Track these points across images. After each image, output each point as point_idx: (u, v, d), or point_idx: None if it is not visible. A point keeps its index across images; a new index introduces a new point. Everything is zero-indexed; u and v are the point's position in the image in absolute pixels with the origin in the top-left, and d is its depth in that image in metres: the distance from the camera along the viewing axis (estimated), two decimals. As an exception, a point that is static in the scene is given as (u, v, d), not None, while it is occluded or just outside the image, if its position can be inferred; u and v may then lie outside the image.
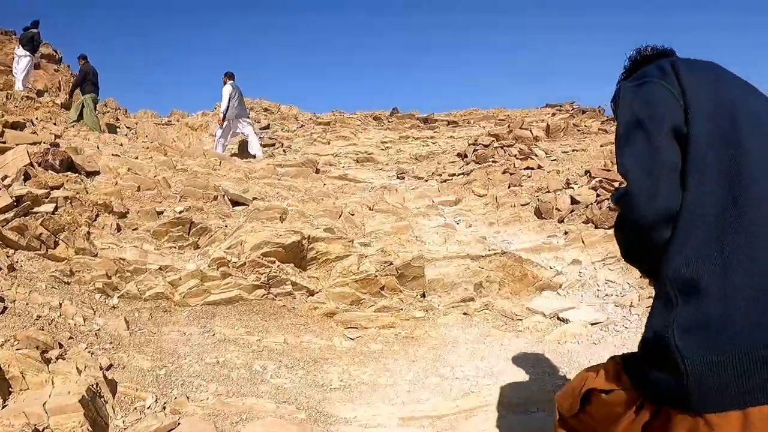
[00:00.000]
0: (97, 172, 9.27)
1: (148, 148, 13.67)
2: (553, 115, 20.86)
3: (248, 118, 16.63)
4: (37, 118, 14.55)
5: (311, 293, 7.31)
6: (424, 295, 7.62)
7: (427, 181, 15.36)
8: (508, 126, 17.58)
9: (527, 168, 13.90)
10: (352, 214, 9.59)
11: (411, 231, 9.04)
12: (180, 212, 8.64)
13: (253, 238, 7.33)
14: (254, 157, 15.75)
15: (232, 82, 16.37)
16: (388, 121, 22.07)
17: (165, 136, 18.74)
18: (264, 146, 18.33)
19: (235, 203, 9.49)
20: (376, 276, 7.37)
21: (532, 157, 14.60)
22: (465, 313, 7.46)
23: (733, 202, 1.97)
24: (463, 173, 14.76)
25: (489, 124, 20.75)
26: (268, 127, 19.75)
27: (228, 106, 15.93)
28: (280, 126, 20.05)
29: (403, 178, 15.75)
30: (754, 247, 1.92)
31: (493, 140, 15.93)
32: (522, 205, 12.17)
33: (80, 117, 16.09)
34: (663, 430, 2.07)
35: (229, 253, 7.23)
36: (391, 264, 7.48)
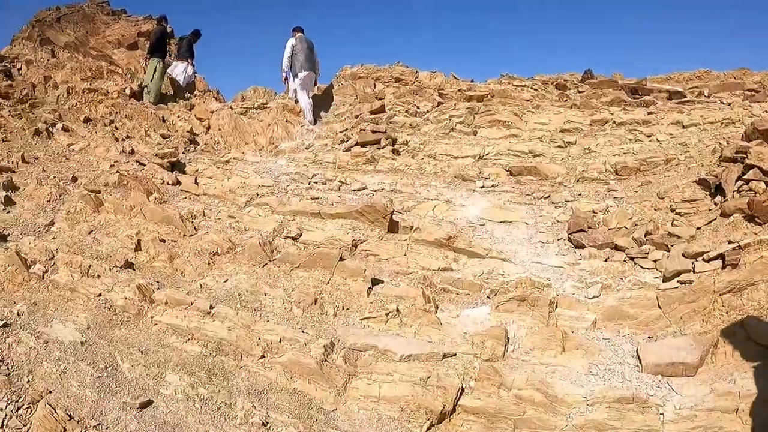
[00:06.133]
0: None
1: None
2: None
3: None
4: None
5: None
6: None
7: (633, 261, 6.26)
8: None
9: None
10: None
11: None
12: None
13: None
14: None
15: (300, 35, 12.20)
16: (578, 91, 12.43)
17: (245, 128, 11.15)
18: (363, 144, 10.10)
19: None
20: None
21: None
22: None
23: None
24: (719, 255, 5.42)
25: (735, 97, 10.43)
26: (381, 110, 11.33)
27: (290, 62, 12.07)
28: (403, 107, 11.52)
29: (582, 245, 6.71)
30: None
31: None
32: None
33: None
34: None
35: None
36: None
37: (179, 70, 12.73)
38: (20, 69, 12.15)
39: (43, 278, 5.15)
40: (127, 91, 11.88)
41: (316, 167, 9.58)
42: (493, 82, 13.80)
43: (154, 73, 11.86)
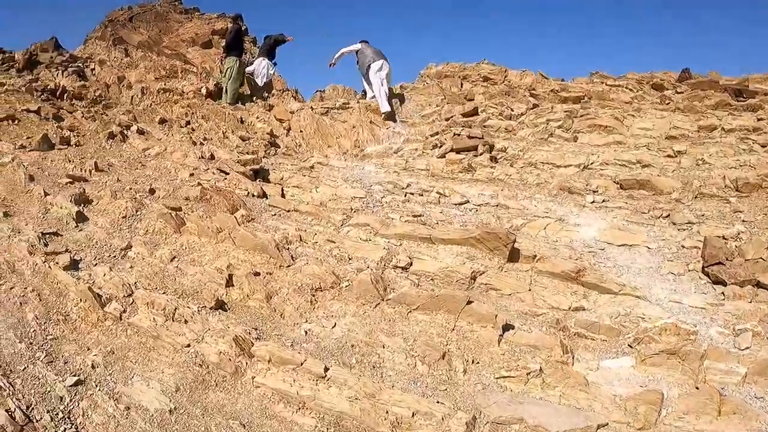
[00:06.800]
0: None
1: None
2: None
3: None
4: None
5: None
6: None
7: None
8: None
9: None
10: None
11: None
12: None
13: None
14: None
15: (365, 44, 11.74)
16: (677, 92, 11.00)
17: (327, 130, 10.19)
18: (459, 151, 9.00)
19: None
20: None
21: None
22: None
23: None
24: None
25: None
26: (474, 112, 10.16)
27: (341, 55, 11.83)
28: (496, 109, 10.33)
29: (722, 281, 5.40)
30: None
31: None
32: None
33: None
34: None
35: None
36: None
37: (260, 68, 11.84)
38: (93, 69, 11.50)
39: (120, 319, 4.23)
40: (203, 91, 11.08)
41: (408, 175, 8.51)
42: (584, 81, 12.48)
43: (231, 72, 11.01)
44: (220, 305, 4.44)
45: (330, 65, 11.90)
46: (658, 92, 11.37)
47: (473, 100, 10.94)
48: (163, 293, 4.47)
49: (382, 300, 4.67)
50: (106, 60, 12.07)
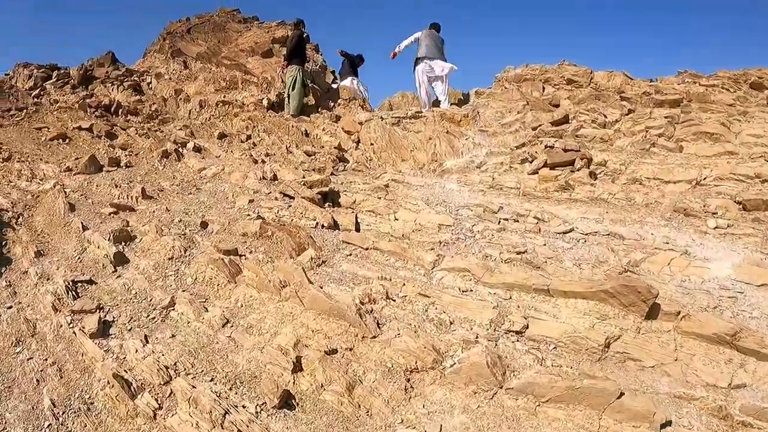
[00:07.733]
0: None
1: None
2: None
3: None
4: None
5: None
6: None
7: None
8: None
9: None
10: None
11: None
12: None
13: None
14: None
15: (430, 31, 10.92)
16: None
17: (400, 142, 8.93)
18: (553, 166, 7.60)
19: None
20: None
21: None
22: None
23: None
24: None
25: None
26: (564, 120, 8.68)
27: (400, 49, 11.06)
28: (588, 115, 8.81)
29: None
30: None
31: None
32: None
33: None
34: None
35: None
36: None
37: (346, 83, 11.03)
38: (150, 83, 10.56)
39: (154, 419, 3.05)
40: (264, 102, 9.98)
41: (497, 194, 7.16)
42: (674, 81, 10.75)
43: (294, 81, 9.86)
44: (286, 400, 3.19)
45: (392, 56, 11.12)
46: (758, 92, 9.60)
47: (559, 105, 9.45)
48: (211, 380, 3.26)
49: (500, 387, 3.34)
50: (164, 73, 11.14)
